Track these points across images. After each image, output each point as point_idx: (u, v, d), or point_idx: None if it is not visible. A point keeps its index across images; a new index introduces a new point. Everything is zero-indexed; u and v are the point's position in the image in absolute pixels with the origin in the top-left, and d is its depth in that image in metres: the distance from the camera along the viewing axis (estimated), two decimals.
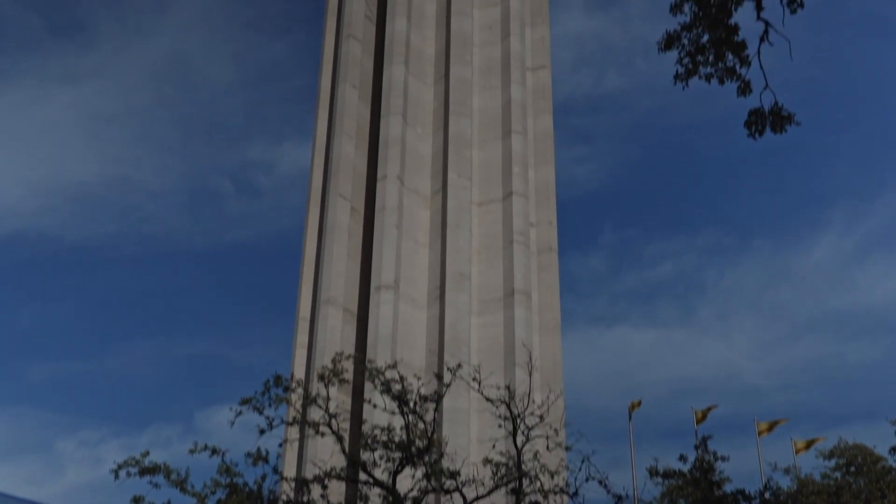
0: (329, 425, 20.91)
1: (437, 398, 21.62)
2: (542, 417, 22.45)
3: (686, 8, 13.87)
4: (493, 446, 22.53)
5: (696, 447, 25.94)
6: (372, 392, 23.13)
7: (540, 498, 21.24)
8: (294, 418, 22.10)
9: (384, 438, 20.68)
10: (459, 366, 22.02)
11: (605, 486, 20.88)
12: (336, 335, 31.39)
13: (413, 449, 20.60)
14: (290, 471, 27.45)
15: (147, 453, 19.91)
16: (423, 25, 37.19)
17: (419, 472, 20.80)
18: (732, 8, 13.65)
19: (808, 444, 38.53)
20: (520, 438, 21.57)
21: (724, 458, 25.68)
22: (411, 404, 21.02)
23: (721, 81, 14.01)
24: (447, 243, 32.09)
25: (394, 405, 21.38)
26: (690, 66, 14.16)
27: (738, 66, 13.83)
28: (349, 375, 22.44)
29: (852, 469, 30.43)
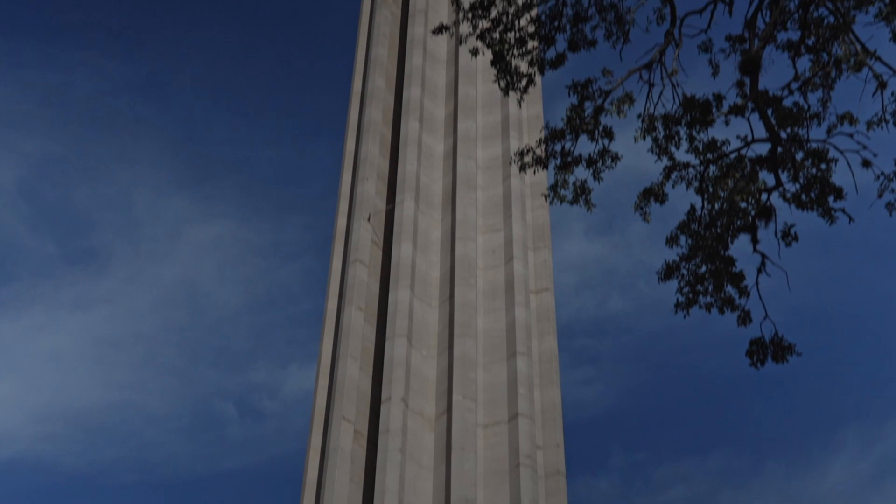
0: None
1: None
2: None
3: (682, 240, 14.22)
4: None
5: None
6: None
7: None
8: None
9: None
10: None
11: None
12: None
13: None
14: None
15: None
16: (429, 250, 38.10)
17: None
18: (728, 241, 14.00)
19: None
20: None
21: None
22: None
23: (721, 311, 14.09)
24: (452, 467, 31.28)
25: None
26: (691, 295, 14.33)
27: (737, 297, 14.02)
28: None
29: None
